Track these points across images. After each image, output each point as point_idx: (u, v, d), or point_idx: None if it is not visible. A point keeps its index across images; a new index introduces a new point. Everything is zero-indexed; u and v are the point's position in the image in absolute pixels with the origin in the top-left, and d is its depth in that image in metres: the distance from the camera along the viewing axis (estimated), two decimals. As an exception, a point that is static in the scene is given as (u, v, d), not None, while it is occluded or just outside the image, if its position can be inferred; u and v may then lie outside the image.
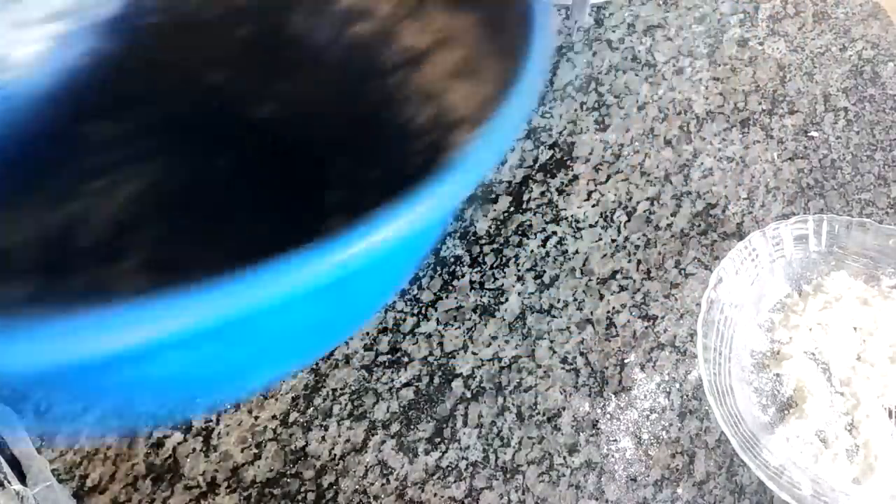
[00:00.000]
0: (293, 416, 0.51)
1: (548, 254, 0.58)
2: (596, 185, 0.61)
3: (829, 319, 0.53)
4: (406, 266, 0.42)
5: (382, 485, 0.49)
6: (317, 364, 0.52)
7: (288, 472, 0.49)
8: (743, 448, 0.47)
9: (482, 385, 0.52)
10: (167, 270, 0.43)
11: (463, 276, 0.56)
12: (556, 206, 0.59)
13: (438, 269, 0.57)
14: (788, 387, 0.52)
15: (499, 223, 0.59)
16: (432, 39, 0.42)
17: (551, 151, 0.62)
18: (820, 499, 0.46)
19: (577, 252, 0.58)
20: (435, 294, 0.55)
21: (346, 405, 0.51)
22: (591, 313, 0.55)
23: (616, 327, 0.55)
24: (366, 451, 0.50)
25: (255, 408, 0.51)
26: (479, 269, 0.57)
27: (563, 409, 0.52)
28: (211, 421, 0.50)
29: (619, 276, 0.57)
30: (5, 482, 0.43)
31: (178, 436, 0.50)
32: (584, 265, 0.57)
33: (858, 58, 0.69)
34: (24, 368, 0.21)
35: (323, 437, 0.50)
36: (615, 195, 0.60)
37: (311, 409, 0.51)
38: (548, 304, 0.56)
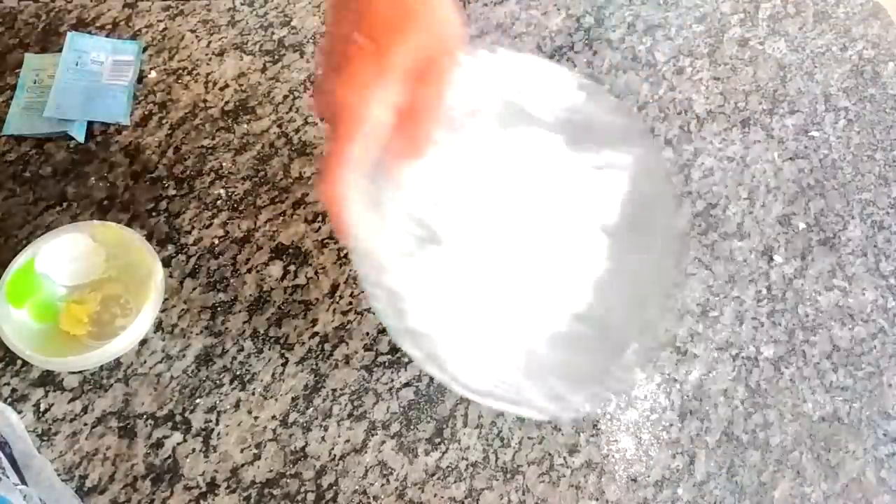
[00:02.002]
0: (293, 416, 0.51)
1: (548, 254, 0.58)
2: (596, 185, 0.61)
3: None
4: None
5: (382, 485, 0.49)
6: (317, 364, 0.52)
7: (288, 473, 0.49)
8: (370, 268, 0.42)
9: (482, 385, 0.52)
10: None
11: (463, 276, 0.56)
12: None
13: (438, 269, 0.57)
14: (440, 219, 0.47)
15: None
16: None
17: (551, 151, 0.62)
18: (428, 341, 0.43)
19: (577, 252, 0.58)
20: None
21: (346, 405, 0.51)
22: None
23: (616, 327, 0.55)
24: (366, 452, 0.50)
25: (254, 408, 0.51)
26: (479, 269, 0.57)
27: (564, 409, 0.52)
28: (211, 421, 0.50)
29: (619, 276, 0.57)
30: (6, 479, 0.43)
31: (177, 436, 0.50)
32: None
33: (859, 57, 0.69)
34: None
35: (323, 438, 0.50)
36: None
37: (311, 409, 0.51)
38: (548, 304, 0.55)
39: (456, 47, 0.40)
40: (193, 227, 0.57)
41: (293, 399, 0.51)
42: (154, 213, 0.57)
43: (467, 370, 0.44)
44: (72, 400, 0.50)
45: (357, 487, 0.49)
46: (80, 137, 0.60)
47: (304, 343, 0.53)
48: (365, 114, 0.37)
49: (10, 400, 0.50)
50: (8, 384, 0.50)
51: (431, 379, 0.52)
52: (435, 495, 0.49)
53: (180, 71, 0.64)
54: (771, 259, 0.58)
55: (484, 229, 0.49)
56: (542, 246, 0.49)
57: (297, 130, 0.61)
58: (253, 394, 0.51)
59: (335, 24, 0.39)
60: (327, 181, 0.38)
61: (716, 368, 0.54)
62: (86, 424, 0.50)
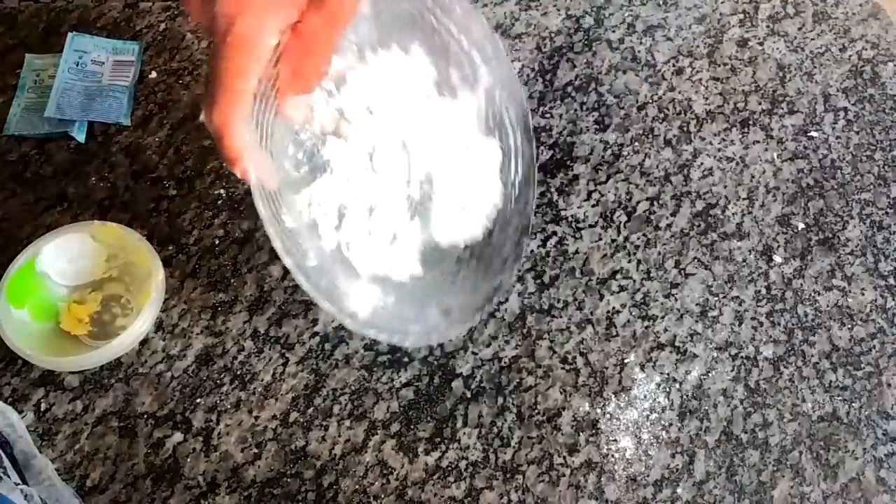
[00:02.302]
0: (293, 415, 0.51)
1: (548, 254, 0.58)
2: (596, 185, 0.61)
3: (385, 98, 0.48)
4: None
5: (382, 484, 0.49)
6: (317, 364, 0.53)
7: (288, 472, 0.49)
8: (264, 201, 0.40)
9: (482, 385, 0.52)
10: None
11: (463, 276, 0.56)
12: (556, 206, 0.59)
13: (438, 269, 0.57)
14: (329, 149, 0.46)
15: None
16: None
17: (551, 151, 0.62)
18: (322, 276, 0.42)
19: (577, 252, 0.58)
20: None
21: (346, 405, 0.51)
22: (591, 313, 0.55)
23: (616, 327, 0.55)
24: (366, 451, 0.50)
25: (255, 408, 0.51)
26: (479, 269, 0.57)
27: (563, 408, 0.52)
28: (211, 421, 0.50)
29: (619, 276, 0.57)
30: (7, 480, 0.43)
31: (178, 436, 0.50)
32: (584, 265, 0.57)
33: (858, 58, 0.69)
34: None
35: (323, 437, 0.50)
36: (615, 195, 0.60)
37: (311, 408, 0.51)
38: (548, 304, 0.56)
39: None
40: (194, 227, 0.57)
41: (293, 399, 0.51)
42: (154, 213, 0.57)
43: (360, 302, 0.45)
44: (72, 400, 0.50)
45: (357, 487, 0.49)
46: (81, 138, 0.60)
47: (304, 343, 0.53)
48: (262, 39, 0.34)
49: (10, 400, 0.50)
50: (9, 384, 0.50)
51: (431, 379, 0.52)
52: (435, 495, 0.49)
53: (181, 71, 0.64)
54: (770, 259, 0.59)
55: (374, 156, 0.48)
56: (431, 171, 0.50)
57: (297, 131, 0.62)
58: (253, 393, 0.51)
59: None
60: (219, 110, 0.35)
61: (715, 368, 0.54)
62: (86, 424, 0.50)
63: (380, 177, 0.48)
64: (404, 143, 0.48)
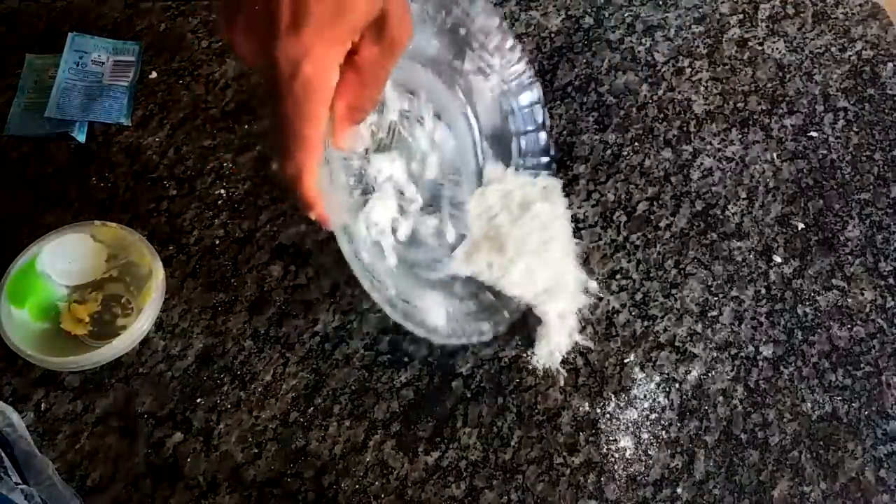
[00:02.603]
0: (293, 415, 0.51)
1: (548, 254, 0.58)
2: (596, 185, 0.61)
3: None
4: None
5: (382, 484, 0.49)
6: (317, 364, 0.53)
7: (288, 472, 0.49)
8: (344, 239, 0.41)
9: (482, 385, 0.52)
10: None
11: (463, 276, 0.56)
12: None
13: (438, 269, 0.57)
14: (372, 166, 0.47)
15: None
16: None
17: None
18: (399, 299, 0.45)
19: (577, 252, 0.58)
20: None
21: (346, 405, 0.51)
22: (591, 313, 0.55)
23: (616, 327, 0.55)
24: (366, 451, 0.50)
25: (255, 408, 0.51)
26: (479, 269, 0.57)
27: (563, 408, 0.52)
28: (211, 421, 0.50)
29: (619, 276, 0.57)
30: (7, 479, 0.43)
31: (178, 436, 0.50)
32: (584, 265, 0.57)
33: (858, 58, 0.69)
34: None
35: (323, 437, 0.50)
36: (615, 195, 0.60)
37: (312, 408, 0.51)
38: (548, 304, 0.56)
39: (406, 9, 0.35)
40: (194, 227, 0.57)
41: (294, 398, 0.51)
42: (155, 214, 0.57)
43: (435, 313, 0.48)
44: (73, 399, 0.50)
45: (357, 487, 0.49)
46: (81, 138, 0.60)
47: (304, 343, 0.53)
48: (328, 82, 0.33)
49: (11, 400, 0.50)
50: (9, 384, 0.51)
51: (431, 379, 0.52)
52: (435, 494, 0.49)
53: (181, 71, 0.64)
54: (770, 259, 0.59)
55: (411, 162, 0.50)
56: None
57: (297, 131, 0.62)
58: (253, 393, 0.51)
59: None
60: (294, 160, 0.34)
61: (715, 368, 0.54)
62: (87, 424, 0.50)
63: (419, 180, 0.49)
64: (433, 142, 0.50)
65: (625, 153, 0.63)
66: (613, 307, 0.56)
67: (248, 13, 0.32)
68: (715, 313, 0.56)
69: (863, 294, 0.58)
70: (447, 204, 0.53)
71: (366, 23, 0.33)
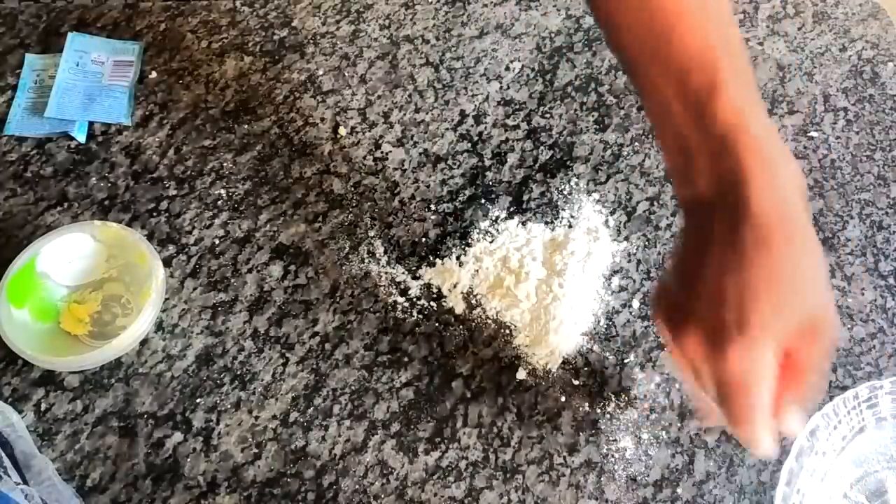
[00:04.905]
0: (293, 415, 0.51)
1: (548, 254, 0.58)
2: (596, 185, 0.61)
3: None
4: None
5: (382, 484, 0.49)
6: (317, 364, 0.53)
7: (288, 472, 0.49)
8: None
9: (482, 385, 0.52)
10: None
11: (463, 276, 0.56)
12: (557, 206, 0.59)
13: (438, 269, 0.57)
14: None
15: (499, 223, 0.59)
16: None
17: (551, 151, 0.62)
18: None
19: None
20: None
21: (346, 405, 0.51)
22: (591, 313, 0.55)
23: (616, 327, 0.55)
24: (366, 451, 0.50)
25: (255, 408, 0.51)
26: (479, 269, 0.57)
27: (563, 408, 0.52)
28: (211, 421, 0.50)
29: (618, 276, 0.57)
30: (8, 479, 0.43)
31: (178, 436, 0.50)
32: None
33: (858, 58, 0.69)
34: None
35: (323, 437, 0.50)
36: (615, 195, 0.60)
37: (311, 408, 0.51)
38: (548, 304, 0.56)
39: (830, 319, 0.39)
40: (194, 227, 0.57)
41: (293, 399, 0.51)
42: (155, 213, 0.57)
43: None
44: (72, 399, 0.50)
45: (357, 487, 0.49)
46: (81, 138, 0.60)
47: (304, 343, 0.53)
48: (766, 375, 0.36)
49: (11, 400, 0.50)
50: (9, 384, 0.51)
51: (431, 379, 0.52)
52: (435, 494, 0.49)
53: (181, 71, 0.64)
54: (770, 259, 0.59)
55: None
56: None
57: (297, 131, 0.62)
58: (253, 393, 0.51)
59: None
60: (749, 432, 0.37)
61: (715, 368, 0.54)
62: (87, 424, 0.50)
63: None
64: None
65: (625, 153, 0.63)
66: (613, 307, 0.56)
67: (697, 323, 0.37)
68: (715, 313, 0.56)
69: (863, 294, 0.58)
70: None
71: (798, 325, 0.36)
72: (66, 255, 0.53)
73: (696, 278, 0.38)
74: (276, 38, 0.66)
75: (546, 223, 0.58)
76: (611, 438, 0.51)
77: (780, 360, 0.37)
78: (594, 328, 0.55)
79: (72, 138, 0.60)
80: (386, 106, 0.63)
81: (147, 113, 0.62)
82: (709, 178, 0.37)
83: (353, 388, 0.52)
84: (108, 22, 0.66)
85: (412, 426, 0.51)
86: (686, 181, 0.39)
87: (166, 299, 0.54)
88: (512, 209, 0.59)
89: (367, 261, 0.56)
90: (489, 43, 0.67)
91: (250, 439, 0.50)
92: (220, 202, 0.58)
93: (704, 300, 0.37)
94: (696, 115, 0.37)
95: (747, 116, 0.36)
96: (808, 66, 0.68)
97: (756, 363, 0.36)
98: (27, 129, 0.60)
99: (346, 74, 0.65)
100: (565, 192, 0.60)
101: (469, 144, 0.62)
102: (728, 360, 0.36)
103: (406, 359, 0.53)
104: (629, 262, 0.58)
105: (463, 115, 0.63)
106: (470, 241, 0.57)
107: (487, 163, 0.61)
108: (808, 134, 0.65)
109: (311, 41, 0.66)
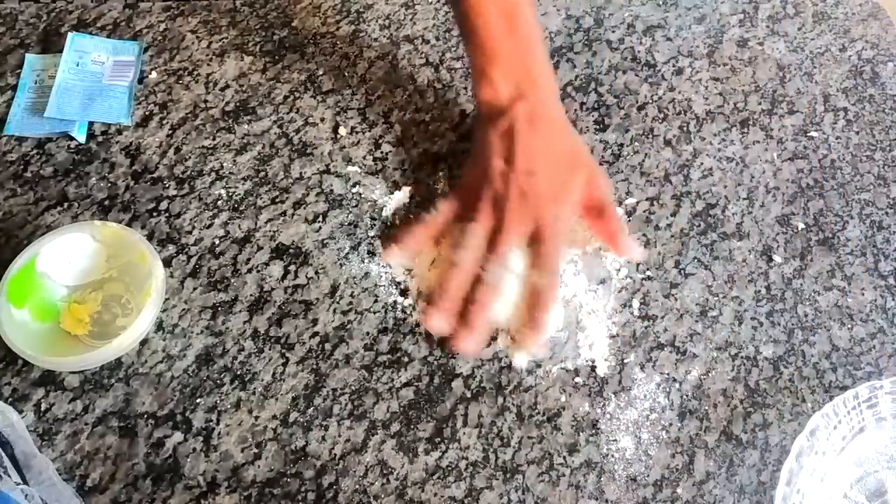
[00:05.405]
0: (293, 415, 0.51)
1: (548, 254, 0.58)
2: (596, 186, 0.61)
3: None
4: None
5: (382, 484, 0.49)
6: (317, 364, 0.53)
7: (288, 472, 0.49)
8: None
9: (482, 385, 0.52)
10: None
11: (463, 276, 0.56)
12: (556, 207, 0.59)
13: (438, 269, 0.57)
14: None
15: (499, 223, 0.59)
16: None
17: (551, 151, 0.62)
18: None
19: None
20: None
21: (346, 405, 0.51)
22: (591, 313, 0.55)
23: (616, 327, 0.55)
24: (366, 451, 0.50)
25: (255, 408, 0.51)
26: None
27: (563, 408, 0.52)
28: (211, 421, 0.50)
29: (618, 275, 0.57)
30: (7, 479, 0.43)
31: (178, 435, 0.50)
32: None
33: (858, 58, 0.69)
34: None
35: (323, 437, 0.50)
36: (615, 195, 0.60)
37: (311, 408, 0.51)
38: (548, 304, 0.56)
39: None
40: (194, 227, 0.57)
41: (293, 399, 0.51)
42: (155, 213, 0.57)
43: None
44: (72, 400, 0.50)
45: (357, 487, 0.49)
46: (81, 138, 0.60)
47: (304, 343, 0.53)
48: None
49: (11, 399, 0.50)
50: (9, 384, 0.51)
51: (431, 379, 0.52)
52: (435, 495, 0.49)
53: (181, 71, 0.64)
54: (770, 259, 0.59)
55: None
56: None
57: (297, 131, 0.62)
58: (253, 393, 0.51)
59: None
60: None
61: (715, 368, 0.54)
62: (87, 424, 0.50)
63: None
64: None
65: (625, 153, 0.63)
66: (613, 307, 0.56)
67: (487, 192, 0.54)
68: (715, 313, 0.56)
69: (863, 294, 0.58)
70: None
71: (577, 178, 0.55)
72: (66, 255, 0.53)
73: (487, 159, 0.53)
74: (276, 38, 0.66)
75: None
76: (611, 438, 0.51)
77: (582, 211, 0.54)
78: (594, 328, 0.55)
79: (72, 138, 0.60)
80: (386, 106, 0.63)
81: (147, 113, 0.62)
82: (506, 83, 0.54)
83: (353, 388, 0.52)
84: (108, 22, 0.66)
85: (412, 426, 0.51)
86: (487, 83, 0.55)
87: (166, 299, 0.54)
88: (512, 209, 0.59)
89: (367, 261, 0.56)
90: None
91: (250, 439, 0.50)
92: (220, 202, 0.58)
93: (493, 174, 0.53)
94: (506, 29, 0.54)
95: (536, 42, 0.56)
96: (808, 66, 0.68)
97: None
98: (27, 129, 0.60)
99: (346, 74, 0.65)
100: (565, 192, 0.60)
101: (469, 144, 0.62)
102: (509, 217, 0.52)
103: (406, 359, 0.53)
104: (629, 261, 0.57)
105: (463, 115, 0.63)
106: (470, 241, 0.57)
107: (487, 163, 0.61)
108: (808, 134, 0.65)
109: (311, 41, 0.66)
